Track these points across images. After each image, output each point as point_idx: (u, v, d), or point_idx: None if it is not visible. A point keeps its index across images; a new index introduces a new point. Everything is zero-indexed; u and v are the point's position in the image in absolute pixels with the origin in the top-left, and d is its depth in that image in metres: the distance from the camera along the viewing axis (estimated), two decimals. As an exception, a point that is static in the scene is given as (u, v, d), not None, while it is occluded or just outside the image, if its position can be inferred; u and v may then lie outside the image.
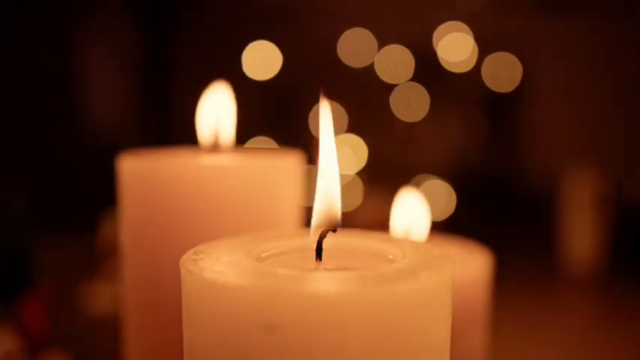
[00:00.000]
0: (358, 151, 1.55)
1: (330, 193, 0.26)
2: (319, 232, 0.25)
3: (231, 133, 0.40)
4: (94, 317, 0.76)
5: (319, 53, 1.60)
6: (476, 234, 0.51)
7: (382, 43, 1.59)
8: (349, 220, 0.27)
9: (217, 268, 0.23)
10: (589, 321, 0.93)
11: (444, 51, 1.59)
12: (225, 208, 0.35)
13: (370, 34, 1.59)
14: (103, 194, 0.68)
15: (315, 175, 0.26)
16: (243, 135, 0.41)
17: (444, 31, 1.58)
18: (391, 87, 1.60)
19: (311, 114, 1.54)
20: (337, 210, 0.26)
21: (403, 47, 1.59)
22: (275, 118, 1.64)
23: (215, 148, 0.40)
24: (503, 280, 0.49)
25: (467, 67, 1.60)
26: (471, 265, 0.38)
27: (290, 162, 0.38)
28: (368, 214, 1.29)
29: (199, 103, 0.40)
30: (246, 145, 1.34)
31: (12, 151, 1.39)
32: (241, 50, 1.55)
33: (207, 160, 0.37)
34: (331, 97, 0.26)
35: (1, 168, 1.33)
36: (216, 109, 0.40)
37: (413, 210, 0.39)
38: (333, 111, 0.26)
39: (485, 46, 1.59)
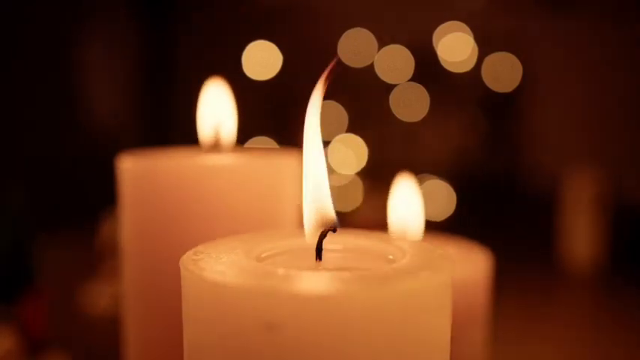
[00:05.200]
0: (358, 151, 1.55)
1: (319, 195, 0.25)
2: (316, 234, 0.25)
3: (231, 133, 0.40)
4: (94, 317, 0.76)
5: (319, 53, 1.60)
6: (476, 234, 0.51)
7: (382, 43, 1.59)
8: (349, 220, 0.27)
9: (217, 268, 0.23)
10: (589, 321, 0.93)
11: (444, 51, 1.59)
12: (225, 207, 0.35)
13: (370, 34, 1.59)
14: (103, 194, 0.68)
15: (302, 177, 0.26)
16: (243, 135, 0.41)
17: (444, 31, 1.58)
18: (391, 87, 1.60)
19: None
20: (330, 211, 0.26)
21: (403, 47, 1.59)
22: (275, 118, 1.64)
23: (215, 148, 0.40)
24: (503, 280, 0.49)
25: (467, 67, 1.60)
26: (471, 265, 0.38)
27: (290, 162, 0.38)
28: (368, 214, 1.29)
29: (199, 102, 0.40)
30: (246, 145, 1.34)
31: (12, 150, 1.39)
32: (241, 50, 1.55)
33: (207, 160, 0.37)
34: (328, 92, 0.25)
35: (1, 168, 1.33)
36: (217, 109, 0.40)
37: (407, 205, 0.39)
38: (330, 110, 0.26)
39: (486, 46, 1.59)
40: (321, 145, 0.26)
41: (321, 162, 0.26)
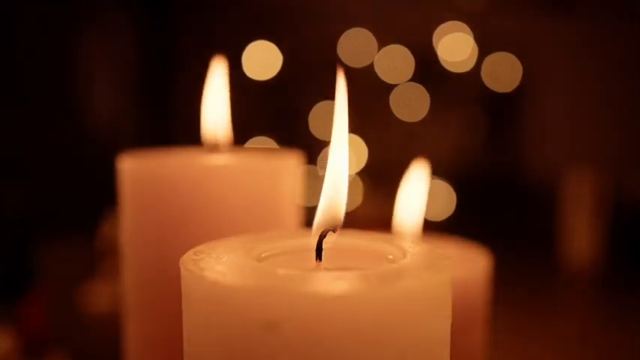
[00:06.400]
0: (358, 151, 1.55)
1: (335, 193, 0.26)
2: (320, 232, 0.25)
3: (230, 133, 0.40)
4: (94, 317, 0.76)
5: (319, 53, 1.60)
6: (476, 234, 0.51)
7: (382, 43, 1.59)
8: (349, 220, 0.26)
9: (217, 268, 0.23)
10: (589, 320, 0.93)
11: (444, 51, 1.59)
12: (225, 208, 0.35)
13: (370, 34, 1.59)
14: (103, 194, 0.68)
15: (322, 173, 0.26)
16: (244, 135, 0.41)
17: (444, 31, 1.58)
18: (391, 87, 1.60)
19: (311, 114, 1.54)
20: (341, 210, 0.26)
21: (403, 47, 1.59)
22: (275, 118, 1.64)
23: (215, 148, 0.40)
24: (503, 280, 0.49)
25: (467, 67, 1.60)
26: (471, 265, 0.38)
27: (290, 162, 0.38)
28: (368, 214, 1.29)
29: (201, 102, 0.40)
30: (246, 145, 1.34)
31: (12, 151, 1.39)
32: (241, 50, 1.55)
33: (207, 160, 0.37)
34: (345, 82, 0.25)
35: (1, 168, 1.33)
36: (217, 109, 0.40)
37: (412, 197, 0.39)
38: (330, 110, 0.26)
39: (486, 46, 1.59)
40: (346, 148, 0.26)
41: (344, 164, 0.26)
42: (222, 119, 0.40)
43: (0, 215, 0.67)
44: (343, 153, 0.26)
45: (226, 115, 0.40)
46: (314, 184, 0.26)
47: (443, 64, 1.60)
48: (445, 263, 0.24)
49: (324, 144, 1.53)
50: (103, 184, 0.63)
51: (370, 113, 1.60)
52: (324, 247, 0.25)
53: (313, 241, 0.25)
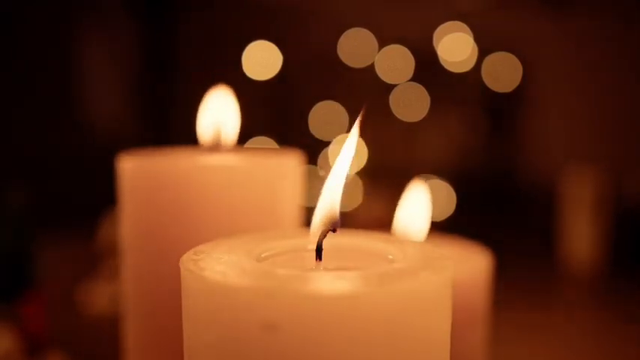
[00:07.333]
0: (358, 151, 1.54)
1: (332, 194, 0.26)
2: (319, 232, 0.25)
3: (233, 133, 0.40)
4: (93, 317, 0.76)
5: (319, 53, 1.60)
6: (476, 234, 0.51)
7: (382, 43, 1.59)
8: (349, 220, 0.27)
9: (217, 268, 0.23)
10: (589, 321, 0.93)
11: (444, 51, 1.59)
12: (225, 208, 0.35)
13: (370, 34, 1.59)
14: (102, 194, 0.68)
15: (321, 176, 0.26)
16: (244, 135, 0.41)
17: (444, 31, 1.58)
18: (391, 87, 1.60)
19: (311, 114, 1.54)
20: (336, 210, 0.26)
21: (403, 47, 1.59)
22: (275, 118, 1.64)
23: (215, 147, 0.40)
24: (503, 280, 0.49)
25: (467, 67, 1.60)
26: (471, 265, 0.38)
27: (290, 162, 0.38)
28: (368, 214, 1.29)
29: (201, 103, 0.40)
30: (246, 145, 1.34)
31: (12, 150, 1.39)
32: (241, 50, 1.55)
33: (207, 160, 0.37)
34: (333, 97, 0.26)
35: (1, 168, 1.33)
36: (219, 110, 0.40)
37: (415, 205, 0.39)
38: (330, 110, 0.26)
39: (485, 46, 1.59)
40: (352, 153, 0.26)
41: (346, 167, 0.26)
42: (229, 122, 0.40)
43: (0, 215, 0.67)
44: (347, 157, 0.26)
45: (234, 119, 0.40)
46: (314, 184, 0.26)
47: (443, 64, 1.60)
48: (445, 263, 0.24)
49: (324, 144, 1.53)
50: (103, 184, 0.63)
51: (370, 113, 1.60)
52: (324, 247, 0.25)
53: (313, 241, 0.25)
